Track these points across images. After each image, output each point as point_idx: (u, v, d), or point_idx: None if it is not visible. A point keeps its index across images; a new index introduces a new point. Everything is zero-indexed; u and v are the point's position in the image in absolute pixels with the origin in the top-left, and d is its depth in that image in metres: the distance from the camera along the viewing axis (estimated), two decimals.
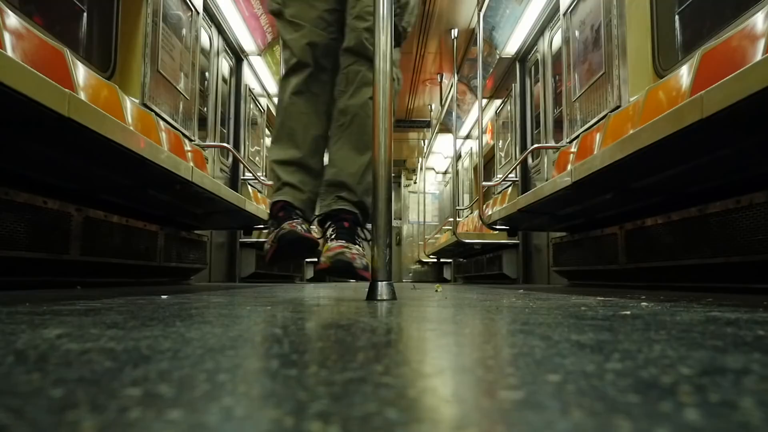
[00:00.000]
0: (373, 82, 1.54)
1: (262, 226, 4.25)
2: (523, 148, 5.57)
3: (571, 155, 3.44)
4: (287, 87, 1.59)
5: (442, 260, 9.65)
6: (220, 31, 5.03)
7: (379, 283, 1.38)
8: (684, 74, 2.29)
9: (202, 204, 3.10)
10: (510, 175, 5.39)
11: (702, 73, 2.14)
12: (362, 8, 1.57)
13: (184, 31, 3.75)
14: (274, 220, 1.52)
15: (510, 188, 5.77)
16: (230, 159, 5.34)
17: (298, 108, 1.58)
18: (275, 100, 1.58)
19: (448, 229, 7.45)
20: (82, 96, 2.23)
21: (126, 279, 3.04)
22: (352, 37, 1.58)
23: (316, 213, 1.62)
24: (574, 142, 3.54)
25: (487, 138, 7.43)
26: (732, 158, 1.95)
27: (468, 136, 8.79)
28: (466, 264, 7.76)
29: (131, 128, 2.22)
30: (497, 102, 6.75)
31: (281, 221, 1.47)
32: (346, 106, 1.57)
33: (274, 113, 1.64)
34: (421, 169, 10.23)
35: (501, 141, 6.41)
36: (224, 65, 5.28)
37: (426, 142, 10.08)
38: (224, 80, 5.39)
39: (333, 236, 1.49)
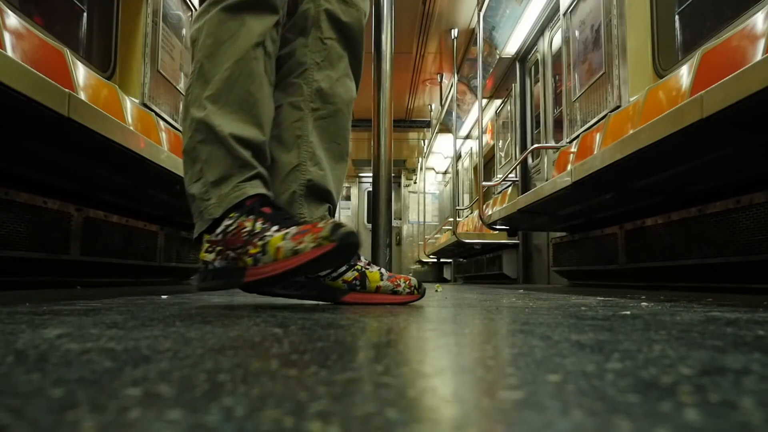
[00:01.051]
0: (373, 81, 1.55)
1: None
2: (523, 148, 5.57)
3: (571, 155, 3.43)
4: (240, 29, 1.09)
5: (442, 260, 9.65)
6: None
7: None
8: (684, 74, 2.29)
9: None
10: (510, 175, 5.39)
11: (702, 73, 2.14)
12: None
13: (184, 31, 3.75)
14: (259, 215, 1.06)
15: (510, 188, 5.77)
16: None
17: (260, 68, 1.11)
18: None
19: (448, 229, 7.45)
20: (82, 96, 2.23)
21: (126, 279, 3.04)
22: (347, 11, 1.24)
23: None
24: (574, 142, 3.54)
25: (487, 138, 7.42)
26: (732, 158, 1.95)
27: (468, 136, 8.79)
28: (466, 264, 7.76)
29: (131, 128, 2.22)
30: (497, 102, 6.75)
31: (276, 219, 1.05)
32: (332, 90, 1.22)
33: (199, 48, 1.11)
34: (421, 169, 10.22)
35: (501, 141, 6.40)
36: None
37: (426, 142, 10.08)
38: None
39: (357, 259, 1.17)
